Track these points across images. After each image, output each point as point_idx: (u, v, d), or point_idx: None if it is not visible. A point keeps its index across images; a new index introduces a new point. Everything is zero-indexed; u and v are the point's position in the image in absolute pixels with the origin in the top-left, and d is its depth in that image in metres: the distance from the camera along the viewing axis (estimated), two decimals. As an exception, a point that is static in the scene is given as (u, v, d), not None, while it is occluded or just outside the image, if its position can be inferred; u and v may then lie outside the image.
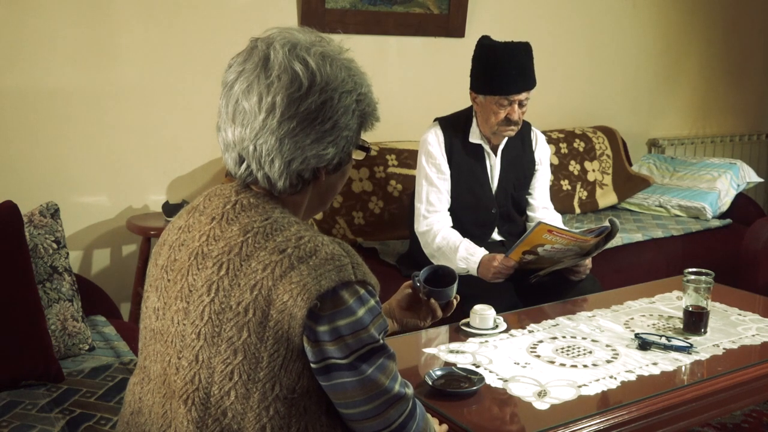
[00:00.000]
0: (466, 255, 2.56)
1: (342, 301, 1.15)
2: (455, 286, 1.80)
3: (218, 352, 1.16)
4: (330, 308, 1.14)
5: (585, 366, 1.87)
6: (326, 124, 1.22)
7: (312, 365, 1.16)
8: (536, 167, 2.84)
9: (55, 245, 2.17)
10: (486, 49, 2.64)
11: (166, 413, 1.22)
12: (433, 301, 1.80)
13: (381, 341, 1.20)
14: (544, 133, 3.02)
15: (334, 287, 1.14)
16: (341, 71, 1.24)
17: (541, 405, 1.68)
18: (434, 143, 2.70)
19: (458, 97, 2.82)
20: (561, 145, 3.96)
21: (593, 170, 4.04)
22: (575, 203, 3.93)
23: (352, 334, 1.16)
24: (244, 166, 1.24)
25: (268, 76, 1.20)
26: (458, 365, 1.83)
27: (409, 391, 1.26)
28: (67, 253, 2.21)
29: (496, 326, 2.10)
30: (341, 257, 1.17)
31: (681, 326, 2.12)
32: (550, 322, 2.18)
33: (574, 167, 3.97)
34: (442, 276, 1.81)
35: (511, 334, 2.08)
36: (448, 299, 1.80)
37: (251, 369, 1.15)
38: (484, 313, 2.09)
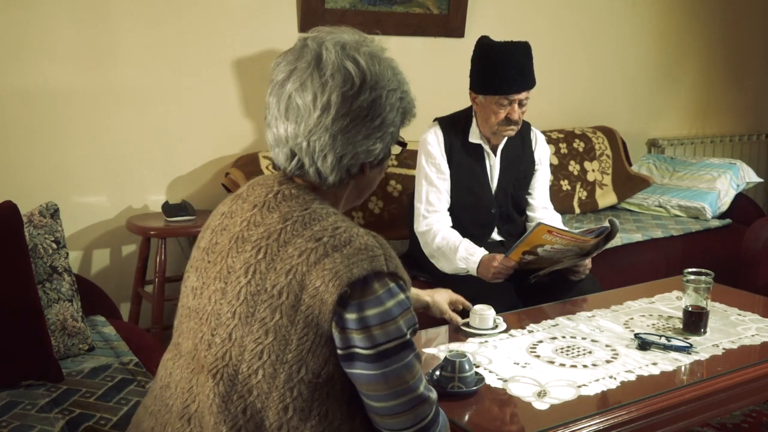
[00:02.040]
0: (466, 255, 2.56)
1: (372, 290, 1.18)
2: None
3: (251, 331, 1.20)
4: (359, 296, 1.18)
5: (585, 366, 1.87)
6: (376, 120, 1.27)
7: (338, 351, 1.20)
8: (536, 167, 2.84)
9: (54, 245, 2.17)
10: (485, 49, 2.64)
11: (192, 388, 1.26)
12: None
13: (408, 337, 1.22)
14: (543, 133, 3.02)
15: (365, 276, 1.18)
16: (387, 70, 1.30)
17: (541, 405, 1.68)
18: (434, 143, 2.70)
19: (458, 97, 2.82)
20: (561, 145, 3.96)
21: (593, 170, 4.04)
22: (575, 203, 3.93)
23: (380, 325, 1.18)
24: (295, 161, 1.29)
25: (321, 75, 1.24)
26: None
27: (433, 395, 1.28)
28: (67, 253, 2.21)
29: (496, 326, 2.10)
30: (375, 248, 1.21)
31: (681, 326, 2.12)
32: (550, 322, 2.18)
33: (573, 167, 3.97)
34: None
35: (510, 334, 2.08)
36: None
37: (280, 350, 1.18)
38: (483, 313, 2.09)
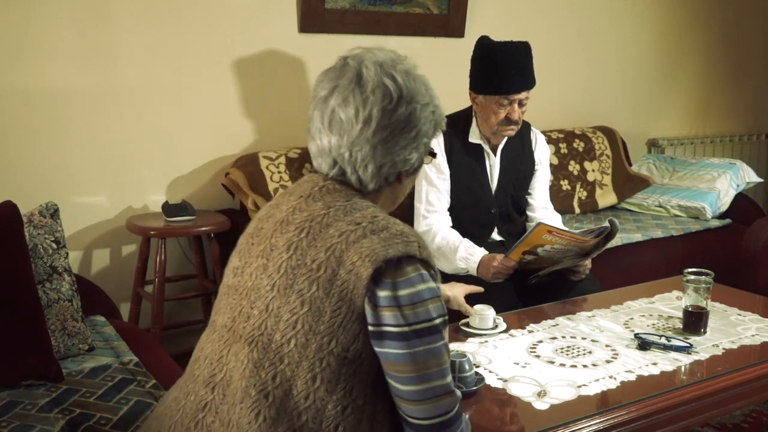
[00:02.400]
0: (466, 255, 2.56)
1: (404, 272, 1.26)
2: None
3: (287, 302, 1.28)
4: (392, 275, 1.25)
5: (585, 366, 1.87)
6: (412, 132, 1.39)
7: (369, 327, 1.26)
8: (536, 167, 2.84)
9: (54, 245, 2.17)
10: (485, 49, 2.65)
11: (222, 358, 1.33)
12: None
13: (437, 323, 1.28)
14: (543, 133, 3.02)
15: (399, 257, 1.26)
16: (421, 86, 1.42)
17: (541, 405, 1.68)
18: (434, 143, 2.69)
19: (458, 97, 2.82)
20: (561, 145, 3.96)
21: (593, 170, 4.04)
22: (575, 203, 3.93)
23: (410, 306, 1.25)
24: (337, 168, 1.40)
25: (363, 91, 1.36)
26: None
27: (458, 394, 1.32)
28: (67, 253, 2.20)
29: (496, 326, 2.10)
30: (410, 235, 1.32)
31: (681, 326, 2.13)
32: (550, 322, 2.18)
33: (573, 167, 3.97)
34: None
35: (510, 334, 2.08)
36: None
37: (314, 321, 1.26)
38: (483, 313, 2.09)
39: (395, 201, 1.50)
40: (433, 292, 1.28)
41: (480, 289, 2.21)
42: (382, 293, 1.25)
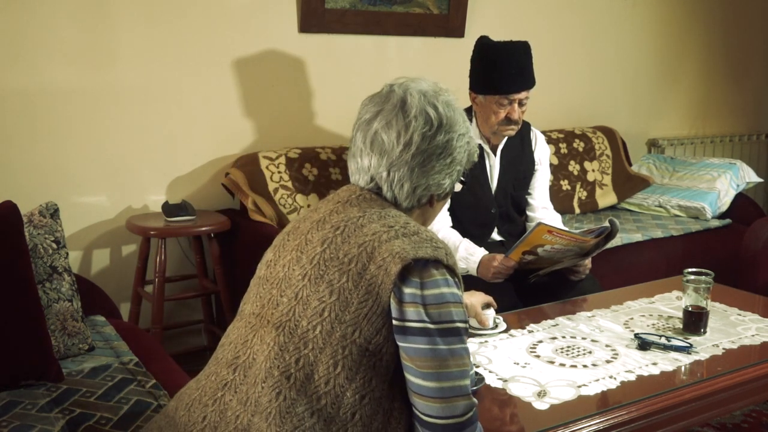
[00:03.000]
0: (466, 255, 2.56)
1: (431, 273, 1.32)
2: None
3: (317, 291, 1.34)
4: (419, 275, 1.31)
5: (585, 366, 1.87)
6: (448, 158, 1.47)
7: (393, 322, 1.31)
8: (536, 167, 2.84)
9: (54, 245, 2.17)
10: (485, 49, 2.65)
11: (247, 342, 1.39)
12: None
13: (458, 326, 1.32)
14: (543, 133, 3.02)
15: (427, 259, 1.32)
16: (459, 117, 1.51)
17: (541, 405, 1.68)
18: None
19: (458, 97, 2.80)
20: (561, 145, 3.97)
21: (593, 170, 4.04)
22: (575, 203, 3.93)
23: (434, 305, 1.30)
24: (373, 184, 1.48)
25: (406, 116, 1.44)
26: None
27: (475, 399, 1.35)
28: (67, 253, 2.20)
29: (496, 326, 2.10)
30: (439, 242, 1.37)
31: (681, 326, 2.13)
32: (550, 322, 2.18)
33: (573, 167, 3.97)
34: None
35: (510, 334, 2.08)
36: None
37: (340, 310, 1.31)
38: (484, 313, 2.09)
39: (425, 222, 1.57)
40: (456, 297, 1.33)
41: (492, 302, 2.17)
42: (408, 290, 1.30)
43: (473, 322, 2.10)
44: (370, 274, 1.31)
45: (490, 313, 2.10)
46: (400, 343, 1.31)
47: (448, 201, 2.62)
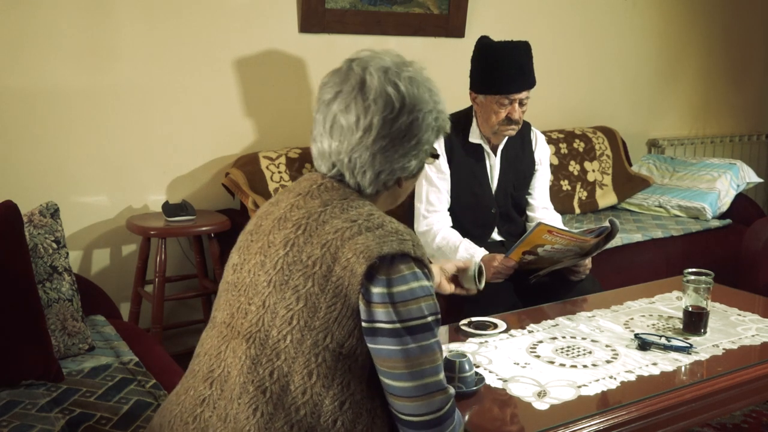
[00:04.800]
0: (466, 255, 2.56)
1: (398, 269, 1.27)
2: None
3: (283, 298, 1.30)
4: (386, 272, 1.27)
5: (585, 366, 1.87)
6: (412, 140, 1.40)
7: (363, 324, 1.27)
8: (536, 167, 2.85)
9: (54, 245, 2.17)
10: (485, 49, 2.65)
11: (221, 354, 1.35)
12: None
13: (429, 320, 1.29)
14: (543, 133, 3.02)
15: (393, 254, 1.27)
16: (425, 93, 1.41)
17: (541, 405, 1.68)
18: (435, 144, 2.70)
19: (458, 97, 2.82)
20: (561, 145, 3.96)
21: (593, 170, 4.04)
22: (575, 203, 3.93)
23: (403, 303, 1.26)
24: (335, 170, 1.41)
25: (365, 99, 1.36)
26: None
27: (451, 390, 1.33)
28: (67, 253, 2.21)
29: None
30: (405, 234, 1.32)
31: (681, 326, 2.12)
32: (550, 322, 2.18)
33: (573, 167, 3.97)
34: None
35: (510, 335, 2.08)
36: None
37: (309, 316, 1.27)
38: (467, 271, 2.04)
39: (395, 201, 1.51)
40: (426, 291, 1.30)
41: (459, 262, 2.07)
42: (376, 290, 1.26)
43: (470, 325, 2.08)
44: (336, 276, 1.27)
45: (474, 268, 2.01)
46: (370, 345, 1.28)
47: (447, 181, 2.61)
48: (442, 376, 1.30)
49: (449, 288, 2.03)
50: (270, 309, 1.30)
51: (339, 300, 1.26)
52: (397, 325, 1.25)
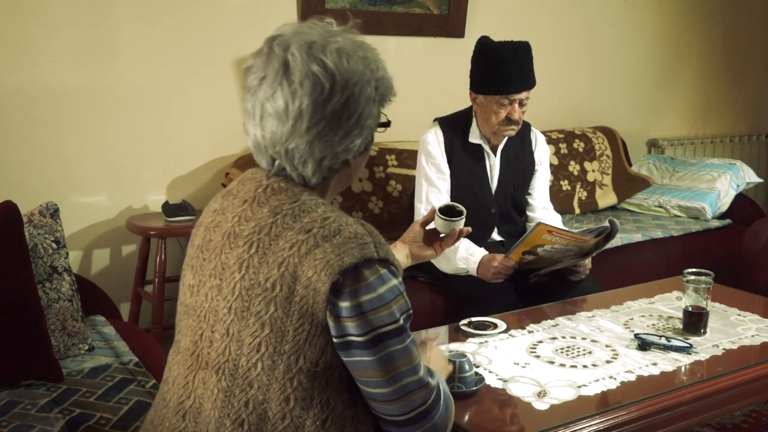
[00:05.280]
0: (466, 255, 2.56)
1: (363, 277, 1.20)
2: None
3: (247, 325, 1.22)
4: (351, 284, 1.19)
5: (585, 366, 1.87)
6: (351, 119, 1.27)
7: (334, 340, 1.21)
8: (536, 167, 2.84)
9: (54, 245, 2.17)
10: (485, 49, 2.65)
11: (188, 384, 1.29)
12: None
13: (401, 323, 1.24)
14: (543, 133, 3.02)
15: (355, 264, 1.19)
16: (358, 63, 1.28)
17: (541, 405, 1.68)
18: (434, 143, 2.70)
19: (458, 97, 2.82)
20: (561, 145, 3.96)
21: (593, 170, 4.04)
22: (575, 203, 3.93)
23: (373, 311, 1.20)
24: (277, 164, 1.30)
25: (290, 83, 1.24)
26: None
27: (433, 381, 1.29)
28: (67, 253, 2.20)
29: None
30: (364, 236, 1.22)
31: (681, 326, 2.12)
32: (550, 322, 2.18)
33: (573, 167, 3.97)
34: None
35: (510, 335, 2.08)
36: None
37: (277, 342, 1.20)
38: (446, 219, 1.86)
39: (349, 180, 1.41)
40: (395, 292, 1.23)
41: (419, 219, 1.88)
42: (344, 304, 1.19)
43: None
44: (298, 296, 1.19)
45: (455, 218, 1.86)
46: (345, 359, 1.22)
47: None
48: (421, 372, 1.26)
49: (433, 251, 1.85)
50: (235, 337, 1.23)
51: (306, 320, 1.20)
52: (370, 335, 1.20)
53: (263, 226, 1.24)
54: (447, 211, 1.86)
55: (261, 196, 1.28)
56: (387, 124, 1.38)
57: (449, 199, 2.71)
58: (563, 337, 2.06)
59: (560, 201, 3.77)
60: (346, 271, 1.18)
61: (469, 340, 2.04)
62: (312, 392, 1.22)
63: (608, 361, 1.90)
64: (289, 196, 1.27)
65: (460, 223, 1.85)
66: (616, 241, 3.31)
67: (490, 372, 1.83)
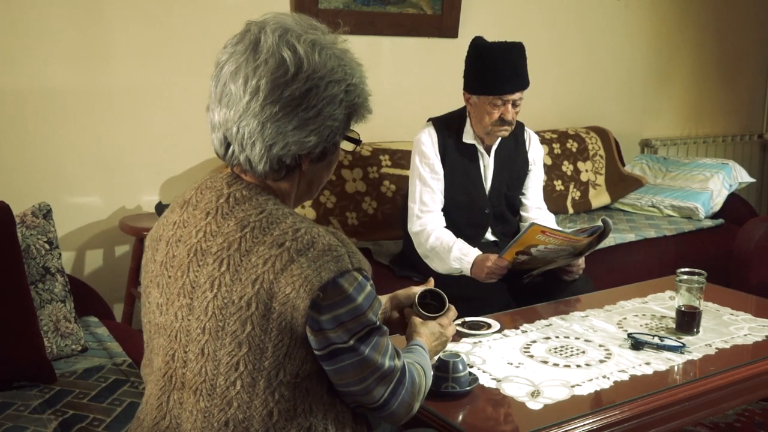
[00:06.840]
0: (460, 255, 2.56)
1: (342, 290, 1.19)
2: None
3: (223, 345, 1.19)
4: (331, 298, 1.18)
5: (578, 366, 1.88)
6: (309, 111, 1.22)
7: (316, 352, 1.21)
8: (529, 167, 2.85)
9: (47, 246, 2.16)
10: (479, 50, 2.65)
11: (161, 405, 1.27)
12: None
13: (377, 323, 1.26)
14: (537, 133, 3.03)
15: (334, 278, 1.18)
16: (331, 60, 1.25)
17: (535, 405, 1.68)
18: (428, 143, 2.70)
19: (452, 97, 2.82)
20: (554, 145, 3.97)
21: (586, 170, 4.05)
22: (568, 203, 3.94)
23: (353, 320, 1.21)
24: (226, 146, 1.27)
25: (255, 59, 1.21)
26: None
27: (398, 362, 1.30)
28: (60, 254, 2.20)
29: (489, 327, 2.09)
30: (338, 247, 1.21)
31: (674, 326, 2.13)
32: (544, 322, 2.18)
33: (567, 167, 3.98)
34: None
35: (504, 335, 2.08)
36: None
37: (256, 359, 1.18)
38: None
39: (310, 190, 1.35)
40: (371, 296, 1.23)
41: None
42: (324, 317, 1.18)
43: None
44: (276, 312, 1.17)
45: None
46: (328, 368, 1.22)
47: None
48: (388, 358, 1.26)
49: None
50: (211, 357, 1.20)
51: (285, 335, 1.18)
52: (352, 341, 1.21)
53: (231, 242, 1.20)
54: (428, 302, 1.71)
55: (224, 207, 1.24)
56: (357, 142, 1.34)
57: (443, 200, 2.71)
58: (557, 337, 2.06)
59: (553, 201, 3.78)
60: (326, 286, 1.17)
61: (463, 340, 2.04)
62: (294, 403, 1.21)
63: (601, 361, 1.91)
64: (254, 206, 1.23)
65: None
66: (609, 241, 3.31)
67: (483, 372, 1.84)
